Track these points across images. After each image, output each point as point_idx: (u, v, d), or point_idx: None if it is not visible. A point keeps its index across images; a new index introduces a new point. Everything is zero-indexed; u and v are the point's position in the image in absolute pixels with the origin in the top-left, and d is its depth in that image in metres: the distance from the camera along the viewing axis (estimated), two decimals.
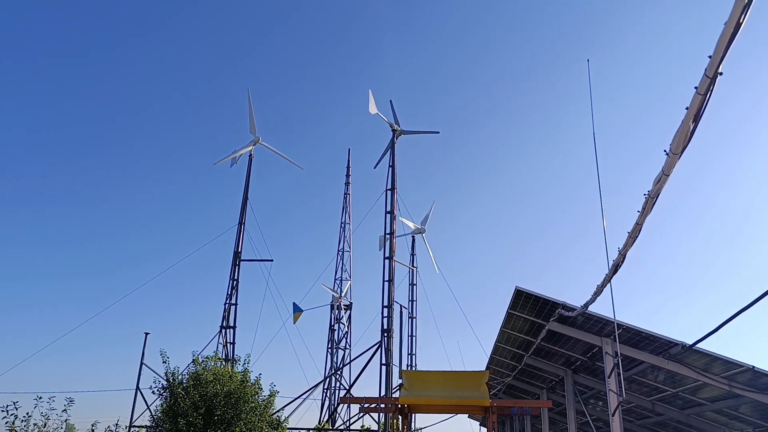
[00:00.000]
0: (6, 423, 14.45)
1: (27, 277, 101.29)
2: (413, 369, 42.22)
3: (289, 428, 23.94)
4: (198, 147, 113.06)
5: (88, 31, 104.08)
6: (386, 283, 31.00)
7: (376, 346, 30.08)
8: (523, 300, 18.51)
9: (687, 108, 6.17)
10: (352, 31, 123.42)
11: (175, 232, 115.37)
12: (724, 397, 15.60)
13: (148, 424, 25.58)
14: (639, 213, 8.62)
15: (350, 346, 46.49)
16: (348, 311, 47.45)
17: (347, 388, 39.67)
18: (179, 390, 17.95)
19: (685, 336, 16.13)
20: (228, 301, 34.29)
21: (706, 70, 5.62)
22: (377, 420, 31.46)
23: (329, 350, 46.13)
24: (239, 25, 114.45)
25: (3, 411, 14.50)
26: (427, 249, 48.67)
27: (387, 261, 31.49)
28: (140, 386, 28.77)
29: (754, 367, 13.12)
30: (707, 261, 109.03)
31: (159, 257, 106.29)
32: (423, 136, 38.38)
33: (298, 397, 30.86)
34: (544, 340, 19.84)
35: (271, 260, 36.13)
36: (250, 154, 38.05)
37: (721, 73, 5.57)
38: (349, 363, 43.72)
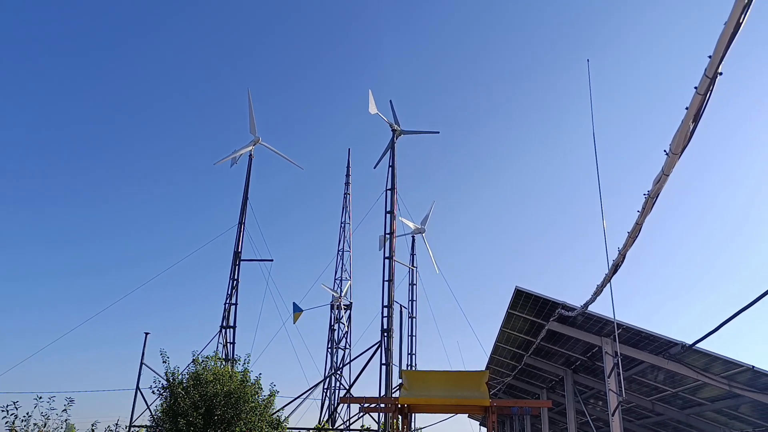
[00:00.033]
0: (6, 423, 14.46)
1: (27, 277, 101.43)
2: (413, 369, 42.23)
3: (289, 428, 23.96)
4: (198, 147, 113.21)
5: (88, 31, 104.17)
6: (386, 283, 31.02)
7: (376, 346, 30.10)
8: (523, 300, 18.51)
9: (687, 108, 6.17)
10: (352, 31, 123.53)
11: (175, 232, 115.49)
12: (724, 397, 15.61)
13: (148, 423, 25.62)
14: (639, 213, 8.61)
15: (350, 346, 46.57)
16: (348, 311, 47.48)
17: (347, 387, 39.70)
18: (179, 390, 17.95)
19: (685, 336, 16.14)
20: (228, 301, 34.31)
21: (705, 70, 5.62)
22: (377, 420, 31.48)
23: (329, 350, 46.16)
24: (239, 25, 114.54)
25: (3, 411, 14.53)
26: (427, 249, 48.72)
27: (387, 261, 31.51)
28: (140, 386, 28.85)
29: (754, 367, 13.12)
30: (707, 261, 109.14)
31: (159, 257, 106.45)
32: (423, 136, 38.44)
33: (298, 396, 30.94)
34: (544, 339, 19.84)
35: (271, 260, 36.23)
36: (250, 154, 38.06)
37: (721, 73, 5.57)
38: (349, 363, 43.78)
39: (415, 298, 48.25)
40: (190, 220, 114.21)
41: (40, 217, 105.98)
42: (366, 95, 33.49)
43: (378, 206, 46.27)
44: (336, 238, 49.47)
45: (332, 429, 33.66)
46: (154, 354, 37.93)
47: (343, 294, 47.05)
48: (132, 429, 27.79)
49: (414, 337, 47.59)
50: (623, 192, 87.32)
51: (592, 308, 14.67)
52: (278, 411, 21.78)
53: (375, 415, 31.18)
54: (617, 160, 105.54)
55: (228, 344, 33.27)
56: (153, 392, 18.98)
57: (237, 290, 34.58)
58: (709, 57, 5.51)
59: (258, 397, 18.95)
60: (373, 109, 33.73)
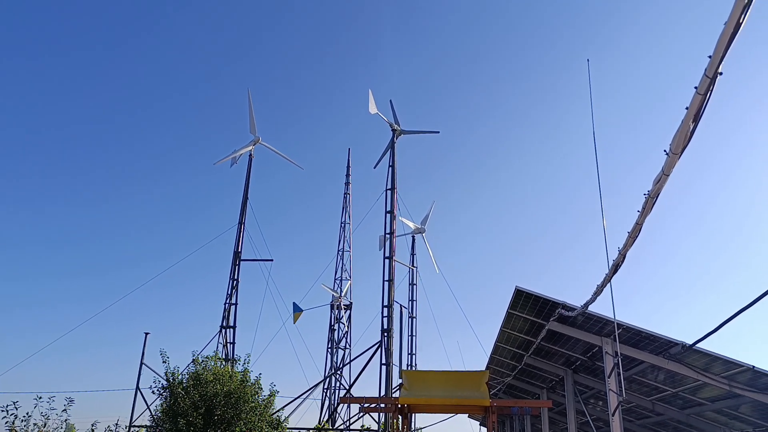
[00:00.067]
0: (6, 423, 14.46)
1: (27, 277, 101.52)
2: (413, 369, 42.23)
3: (289, 428, 23.96)
4: (198, 147, 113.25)
5: (88, 31, 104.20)
6: (386, 283, 31.01)
7: (376, 346, 30.10)
8: (523, 300, 18.50)
9: (687, 108, 6.16)
10: (351, 31, 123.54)
11: (175, 232, 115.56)
12: (724, 396, 15.60)
13: (148, 423, 25.63)
14: (639, 213, 8.60)
15: (350, 346, 46.58)
16: (348, 311, 47.48)
17: (347, 387, 39.69)
18: (179, 390, 17.95)
19: (685, 336, 16.13)
20: (228, 301, 34.32)
21: (705, 70, 5.62)
22: (377, 420, 31.47)
23: (329, 350, 46.16)
24: (239, 25, 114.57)
25: (3, 411, 14.54)
26: (427, 249, 48.74)
27: (387, 261, 31.51)
28: (140, 386, 28.87)
29: (754, 367, 13.12)
30: (707, 261, 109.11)
31: (159, 257, 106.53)
32: (423, 136, 38.46)
33: (298, 396, 30.94)
34: (544, 339, 19.83)
35: (271, 260, 36.24)
36: (250, 154, 38.07)
37: (721, 73, 5.57)
38: (349, 363, 43.79)
39: (415, 298, 48.34)
40: (190, 220, 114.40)
41: (40, 217, 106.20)
42: (366, 95, 33.56)
43: (378, 206, 46.33)
44: (336, 238, 49.56)
45: (332, 429, 33.66)
46: (154, 354, 37.99)
47: (343, 294, 47.05)
48: (132, 429, 27.79)
49: (414, 337, 47.68)
50: (623, 192, 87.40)
51: (592, 308, 14.67)
52: (278, 411, 21.78)
53: (375, 415, 31.21)
54: (617, 160, 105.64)
55: (228, 344, 33.27)
56: (153, 392, 19.02)
57: (237, 290, 34.61)
58: (709, 57, 5.51)
59: (258, 397, 18.95)
60: (373, 108, 33.73)
